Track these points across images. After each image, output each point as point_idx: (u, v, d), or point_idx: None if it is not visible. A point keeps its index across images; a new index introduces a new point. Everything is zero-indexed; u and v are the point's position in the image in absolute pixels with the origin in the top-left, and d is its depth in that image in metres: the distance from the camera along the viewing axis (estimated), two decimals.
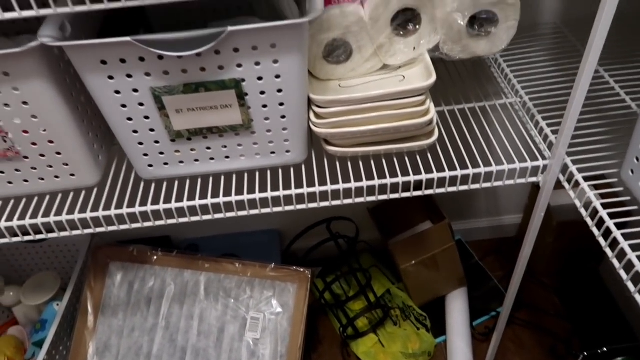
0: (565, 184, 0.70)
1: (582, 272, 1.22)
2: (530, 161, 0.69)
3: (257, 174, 0.70)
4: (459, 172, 0.68)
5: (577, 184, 0.67)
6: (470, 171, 0.68)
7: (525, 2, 0.83)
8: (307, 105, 0.64)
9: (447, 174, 0.68)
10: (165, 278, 0.99)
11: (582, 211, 0.67)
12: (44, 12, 0.49)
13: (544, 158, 0.70)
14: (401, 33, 0.66)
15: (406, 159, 0.71)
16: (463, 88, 0.84)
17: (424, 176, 0.68)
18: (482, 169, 0.68)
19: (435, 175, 0.68)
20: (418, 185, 0.69)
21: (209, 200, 0.67)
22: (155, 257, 1.00)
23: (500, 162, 0.69)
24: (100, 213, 0.67)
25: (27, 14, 0.49)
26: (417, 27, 0.66)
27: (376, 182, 0.68)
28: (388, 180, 0.67)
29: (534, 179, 0.71)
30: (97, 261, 1.01)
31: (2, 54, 0.52)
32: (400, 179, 0.68)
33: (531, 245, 0.81)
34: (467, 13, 0.65)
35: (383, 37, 0.66)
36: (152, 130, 0.62)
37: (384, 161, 0.71)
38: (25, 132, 0.61)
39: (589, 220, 0.66)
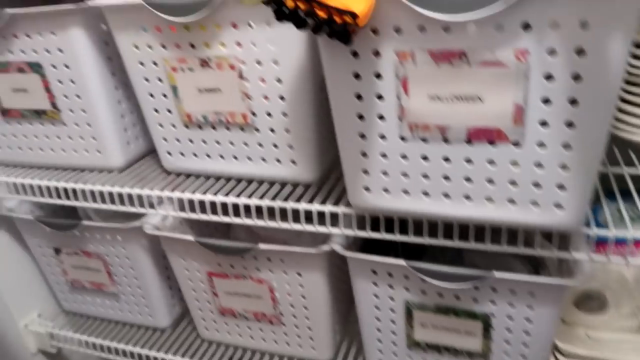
0: None
1: None
2: None
3: None
4: None
5: None
6: None
7: None
8: (550, 348, 0.63)
9: None
10: None
11: None
12: (334, 230, 0.61)
13: None
14: None
15: None
16: None
17: None
18: None
19: None
20: None
21: None
22: None
23: None
24: None
25: (322, 229, 0.61)
26: None
27: None
28: None
29: None
30: None
31: (301, 252, 0.66)
32: None
33: None
34: None
35: None
36: (394, 333, 0.68)
37: None
38: (292, 306, 0.72)
39: None
